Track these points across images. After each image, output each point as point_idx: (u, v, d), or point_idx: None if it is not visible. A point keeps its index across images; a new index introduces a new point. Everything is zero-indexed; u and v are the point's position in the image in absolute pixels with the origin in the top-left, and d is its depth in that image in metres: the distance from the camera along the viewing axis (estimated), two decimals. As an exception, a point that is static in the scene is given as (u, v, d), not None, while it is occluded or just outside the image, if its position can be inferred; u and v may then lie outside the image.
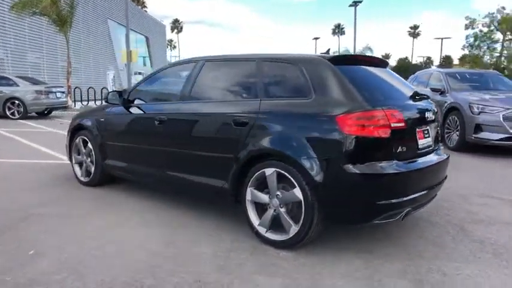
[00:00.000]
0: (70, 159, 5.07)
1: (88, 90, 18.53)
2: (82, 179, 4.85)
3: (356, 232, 3.37)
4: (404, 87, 3.52)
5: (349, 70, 3.11)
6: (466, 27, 18.48)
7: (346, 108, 2.81)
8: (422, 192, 3.02)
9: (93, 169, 4.68)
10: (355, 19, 28.14)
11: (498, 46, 15.95)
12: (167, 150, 3.79)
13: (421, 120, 3.23)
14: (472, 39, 17.00)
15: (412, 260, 2.89)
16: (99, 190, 4.62)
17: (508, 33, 15.52)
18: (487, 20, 15.98)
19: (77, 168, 4.97)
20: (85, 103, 18.42)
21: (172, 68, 4.33)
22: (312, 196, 2.82)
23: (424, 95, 3.60)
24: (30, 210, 3.88)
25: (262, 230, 3.13)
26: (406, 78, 6.73)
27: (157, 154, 3.90)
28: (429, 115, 3.32)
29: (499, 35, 16.12)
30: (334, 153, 2.78)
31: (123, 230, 3.42)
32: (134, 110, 4.24)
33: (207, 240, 3.20)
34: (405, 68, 55.24)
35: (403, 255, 2.98)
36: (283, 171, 2.96)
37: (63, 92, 14.59)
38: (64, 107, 15.01)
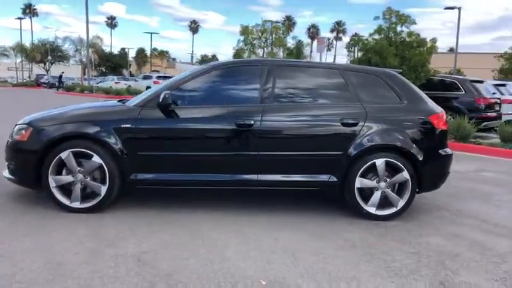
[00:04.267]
0: (34, 184, 3.70)
1: None
2: (76, 205, 3.67)
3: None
4: None
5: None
6: (241, 33, 21.92)
7: (431, 110, 3.98)
8: None
9: (103, 190, 3.66)
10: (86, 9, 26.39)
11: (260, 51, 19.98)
12: (260, 154, 3.71)
13: None
14: (242, 44, 20.37)
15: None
16: (126, 212, 3.70)
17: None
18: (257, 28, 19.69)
19: (57, 193, 3.67)
20: None
21: (224, 70, 3.98)
22: (415, 175, 3.85)
23: None
24: (125, 252, 2.91)
25: (371, 210, 3.85)
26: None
27: (242, 158, 3.71)
28: None
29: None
30: (431, 142, 3.93)
31: (265, 243, 3.28)
32: (186, 114, 3.73)
33: (342, 232, 3.64)
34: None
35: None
36: (392, 160, 3.81)
37: None
38: None
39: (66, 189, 3.71)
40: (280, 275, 2.70)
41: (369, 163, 3.80)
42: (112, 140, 3.64)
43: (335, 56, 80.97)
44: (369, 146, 3.79)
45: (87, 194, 3.72)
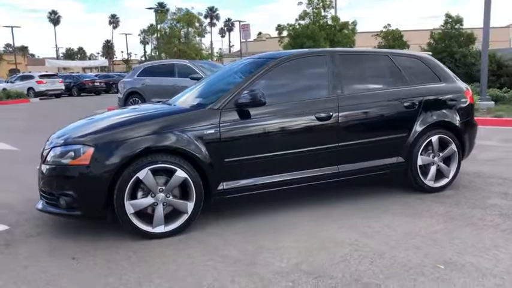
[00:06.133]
0: (102, 214, 3.13)
1: None
2: (161, 229, 3.18)
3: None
4: None
5: None
6: (158, 21, 19.99)
7: (463, 88, 4.42)
8: None
9: (190, 206, 3.24)
10: None
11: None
12: (340, 145, 3.69)
13: None
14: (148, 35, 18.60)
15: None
16: (217, 226, 3.32)
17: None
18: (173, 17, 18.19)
19: (135, 219, 3.13)
20: None
21: (289, 63, 3.75)
22: (460, 146, 4.26)
23: None
24: None
25: (430, 183, 4.16)
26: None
27: (324, 151, 3.66)
28: None
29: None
30: (467, 116, 4.37)
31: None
32: (266, 113, 3.48)
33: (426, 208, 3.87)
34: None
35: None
36: (444, 135, 4.15)
37: None
38: None
39: (142, 213, 3.19)
40: (443, 257, 2.77)
41: (427, 141, 4.09)
42: (195, 150, 3.23)
43: (212, 42, 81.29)
44: (427, 124, 4.06)
45: (168, 215, 3.25)
